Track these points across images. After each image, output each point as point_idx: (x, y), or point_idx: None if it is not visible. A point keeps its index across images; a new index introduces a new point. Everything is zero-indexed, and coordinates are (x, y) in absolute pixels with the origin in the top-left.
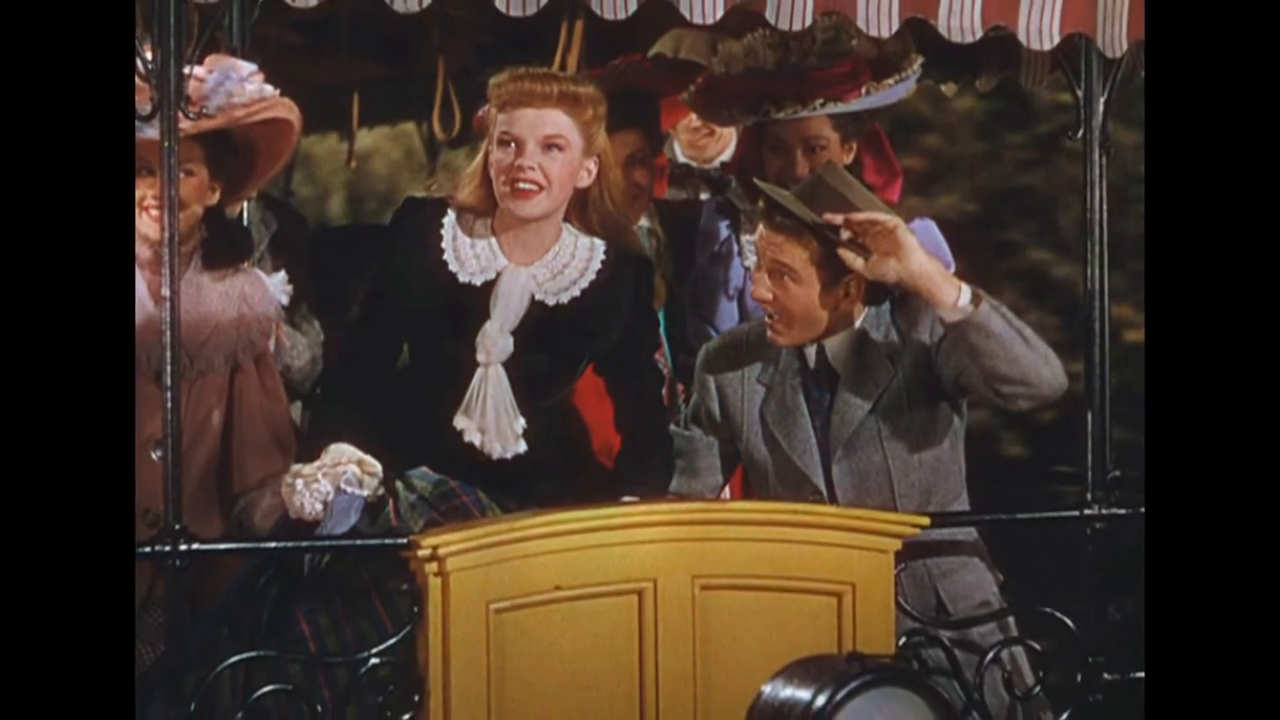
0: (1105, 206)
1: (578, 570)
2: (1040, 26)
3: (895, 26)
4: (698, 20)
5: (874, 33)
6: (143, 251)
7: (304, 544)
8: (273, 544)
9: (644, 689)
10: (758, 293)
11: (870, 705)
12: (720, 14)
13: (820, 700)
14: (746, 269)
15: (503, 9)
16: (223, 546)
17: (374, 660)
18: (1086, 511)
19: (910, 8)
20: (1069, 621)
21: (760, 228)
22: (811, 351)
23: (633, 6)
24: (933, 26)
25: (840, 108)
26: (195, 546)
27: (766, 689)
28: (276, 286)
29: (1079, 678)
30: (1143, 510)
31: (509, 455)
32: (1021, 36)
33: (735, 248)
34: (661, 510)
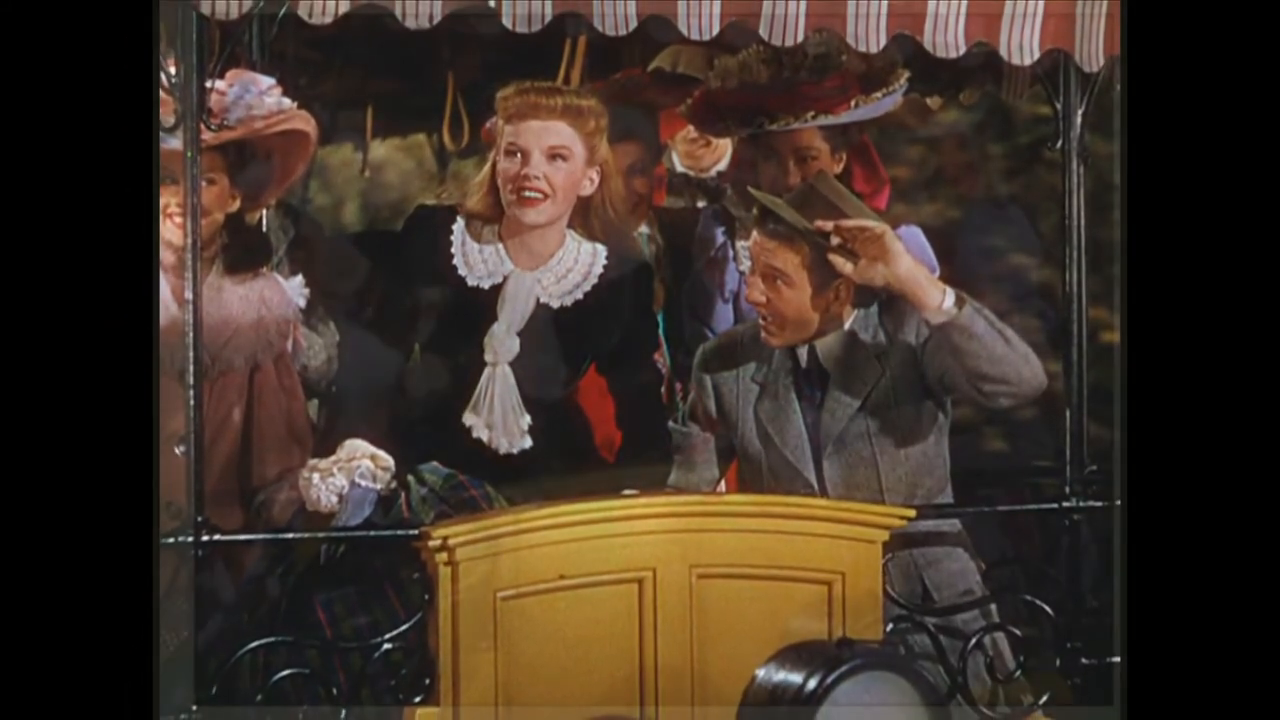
0: (1083, 214)
1: (581, 560)
2: (1021, 42)
3: (883, 43)
4: (695, 37)
5: (862, 49)
6: (167, 257)
7: (320, 535)
8: (290, 535)
9: (644, 673)
10: (752, 296)
11: (859, 688)
12: (716, 31)
13: (811, 684)
14: (741, 273)
15: (510, 26)
16: (243, 537)
17: (387, 645)
18: (1064, 504)
19: (897, 25)
20: (1048, 609)
21: (754, 234)
22: (803, 352)
23: (633, 24)
24: (918, 43)
25: (830, 120)
26: (216, 537)
27: (760, 673)
28: (294, 290)
29: (1058, 662)
30: (1118, 503)
31: (515, 450)
32: (1003, 52)
33: (731, 253)
34: (660, 503)
